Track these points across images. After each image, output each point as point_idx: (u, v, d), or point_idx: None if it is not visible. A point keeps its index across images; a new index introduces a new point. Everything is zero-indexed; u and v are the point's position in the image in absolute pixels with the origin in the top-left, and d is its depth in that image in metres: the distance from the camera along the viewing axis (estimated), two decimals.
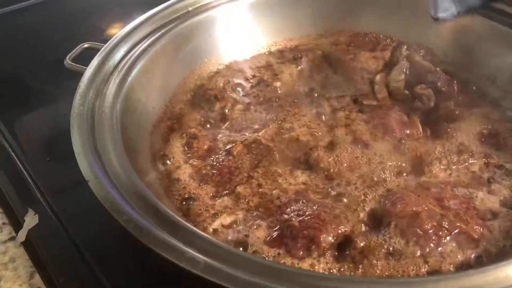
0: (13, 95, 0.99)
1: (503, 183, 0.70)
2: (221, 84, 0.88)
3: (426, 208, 0.64)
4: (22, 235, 0.70)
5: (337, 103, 0.86)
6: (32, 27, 1.14)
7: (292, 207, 0.66)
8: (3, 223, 0.73)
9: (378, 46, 0.97)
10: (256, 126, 0.81)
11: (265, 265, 0.50)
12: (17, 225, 0.72)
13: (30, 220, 0.71)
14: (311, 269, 0.58)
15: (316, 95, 0.88)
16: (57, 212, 0.73)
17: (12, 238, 0.71)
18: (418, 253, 0.61)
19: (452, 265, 0.60)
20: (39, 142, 0.89)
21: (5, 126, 0.89)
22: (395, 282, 0.50)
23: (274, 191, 0.69)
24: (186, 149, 0.77)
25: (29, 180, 0.79)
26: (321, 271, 0.59)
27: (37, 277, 0.66)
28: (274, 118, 0.82)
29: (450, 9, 0.81)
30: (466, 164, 0.73)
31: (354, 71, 0.91)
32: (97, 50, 0.82)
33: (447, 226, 0.63)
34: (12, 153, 0.84)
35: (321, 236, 0.62)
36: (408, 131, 0.79)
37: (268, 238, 0.63)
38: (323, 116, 0.83)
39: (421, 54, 0.93)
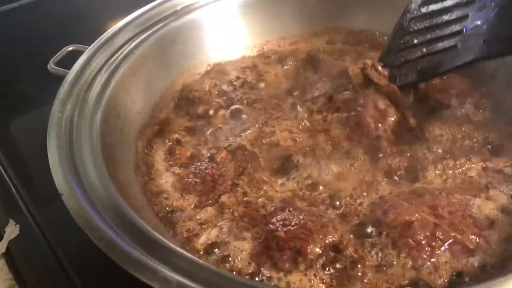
0: None
1: (502, 188, 0.66)
2: (207, 87, 0.85)
3: (419, 217, 0.61)
4: (2, 247, 0.68)
5: (313, 104, 0.82)
6: (19, 29, 1.12)
7: (278, 216, 0.63)
8: None
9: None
10: (240, 131, 0.78)
11: (243, 284, 0.47)
12: None
13: (11, 231, 0.69)
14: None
15: (296, 96, 0.85)
16: (40, 222, 0.71)
17: None
18: (410, 264, 0.58)
19: (445, 277, 0.57)
20: (24, 148, 0.87)
21: None
22: None
23: (259, 200, 0.66)
24: (169, 156, 0.75)
25: (12, 188, 0.77)
26: (307, 285, 0.57)
27: None
28: (257, 122, 0.79)
29: (410, 77, 0.79)
30: (463, 169, 0.70)
31: (337, 69, 0.87)
32: (82, 52, 0.79)
33: (441, 237, 0.60)
34: None
35: (308, 247, 0.59)
36: (381, 125, 0.75)
37: (253, 251, 0.61)
38: (304, 121, 0.79)
39: None
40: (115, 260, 0.49)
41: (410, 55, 0.78)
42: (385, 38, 0.92)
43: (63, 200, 0.55)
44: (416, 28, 0.77)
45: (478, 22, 0.74)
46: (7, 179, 0.79)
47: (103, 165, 0.62)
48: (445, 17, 0.76)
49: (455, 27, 0.76)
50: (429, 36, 0.77)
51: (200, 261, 0.50)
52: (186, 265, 0.49)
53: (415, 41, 0.77)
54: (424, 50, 0.77)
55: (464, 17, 0.75)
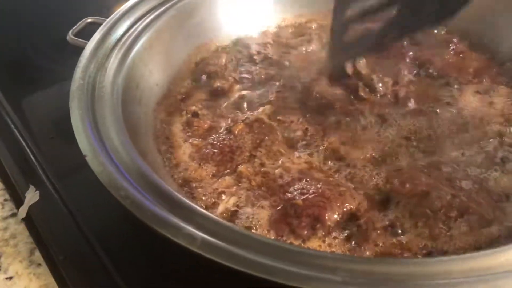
0: (17, 73, 0.98)
1: None
2: (223, 61, 0.85)
3: (436, 188, 0.62)
4: (22, 212, 0.69)
5: None
6: (35, 4, 1.12)
7: (295, 186, 0.64)
8: (5, 200, 0.73)
9: None
10: (257, 106, 0.78)
11: (267, 243, 0.48)
12: (18, 201, 0.71)
13: (31, 196, 0.70)
14: (316, 249, 0.56)
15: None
16: (59, 189, 0.72)
17: (13, 215, 0.71)
18: (426, 233, 0.59)
19: (462, 247, 0.58)
20: (43, 119, 0.88)
21: (9, 103, 0.88)
22: (400, 262, 0.48)
23: (276, 170, 0.67)
24: (187, 127, 0.75)
25: (31, 157, 0.78)
26: (327, 250, 0.57)
27: (37, 253, 0.66)
28: (275, 98, 0.79)
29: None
30: (480, 143, 0.70)
31: None
32: (101, 24, 0.80)
33: (458, 207, 0.60)
34: (15, 130, 0.83)
35: (326, 215, 0.60)
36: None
37: (271, 218, 0.61)
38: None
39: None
40: (140, 217, 0.49)
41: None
42: None
43: (88, 161, 0.56)
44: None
45: None
46: (26, 148, 0.79)
47: (125, 131, 0.62)
48: None
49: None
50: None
51: (224, 221, 0.51)
52: (209, 225, 0.49)
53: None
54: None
55: None
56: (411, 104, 0.76)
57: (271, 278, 0.43)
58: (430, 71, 0.82)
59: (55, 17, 1.05)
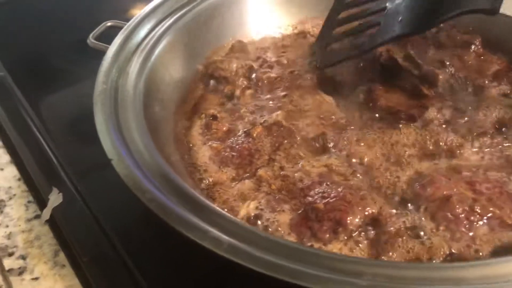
0: (38, 75, 0.99)
1: None
2: (234, 66, 0.85)
3: (457, 191, 0.62)
4: (46, 214, 0.70)
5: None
6: (55, 7, 1.14)
7: (316, 190, 0.64)
8: (28, 202, 0.74)
9: None
10: (274, 109, 0.78)
11: (291, 247, 0.49)
12: (42, 203, 0.73)
13: (55, 198, 0.71)
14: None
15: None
16: (81, 191, 0.73)
17: (37, 217, 0.72)
18: (448, 237, 0.59)
19: (483, 251, 0.58)
20: (63, 121, 0.90)
21: (30, 105, 0.89)
22: (425, 267, 0.48)
23: (296, 174, 0.67)
24: (205, 130, 0.76)
25: (53, 159, 0.79)
26: (349, 254, 0.58)
27: (61, 255, 0.67)
28: (290, 101, 0.80)
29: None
30: (500, 147, 0.70)
31: None
32: (120, 28, 0.81)
33: (479, 211, 0.61)
34: (37, 133, 0.84)
35: (348, 218, 0.60)
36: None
37: (292, 222, 0.62)
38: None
39: None
40: (166, 220, 0.50)
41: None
42: None
43: (113, 165, 0.57)
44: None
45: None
46: (48, 150, 0.81)
47: (148, 134, 0.63)
48: None
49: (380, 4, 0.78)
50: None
51: (248, 225, 0.52)
52: (235, 228, 0.50)
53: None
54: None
55: None
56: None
57: (296, 281, 0.44)
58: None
59: (74, 20, 1.06)
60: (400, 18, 0.75)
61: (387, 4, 0.77)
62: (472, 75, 0.82)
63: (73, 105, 0.92)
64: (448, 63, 0.84)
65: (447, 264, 0.55)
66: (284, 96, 0.81)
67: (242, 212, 0.64)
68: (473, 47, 0.86)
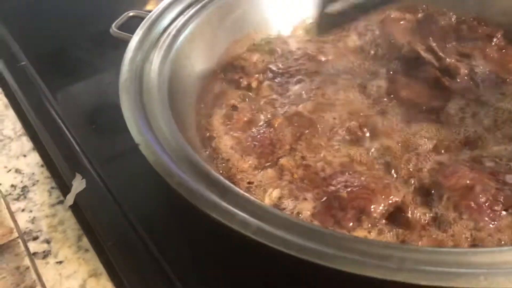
0: (59, 66, 1.00)
1: None
2: (255, 58, 0.86)
3: (480, 181, 0.62)
4: (70, 199, 0.71)
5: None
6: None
7: (338, 179, 0.64)
8: (52, 187, 0.75)
9: None
10: (295, 101, 0.79)
11: (319, 231, 0.49)
12: (65, 189, 0.73)
13: (78, 184, 0.72)
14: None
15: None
16: (103, 177, 0.74)
17: (61, 202, 0.72)
18: (472, 226, 0.59)
19: (506, 241, 0.58)
20: (84, 110, 0.90)
21: (52, 95, 0.90)
22: (451, 252, 0.48)
23: (318, 163, 0.68)
24: (227, 120, 0.76)
25: (75, 146, 0.80)
26: None
27: (85, 239, 0.67)
28: (312, 94, 0.80)
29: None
30: None
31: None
32: (142, 18, 0.81)
33: (502, 200, 0.61)
34: (59, 121, 0.85)
35: (372, 206, 0.60)
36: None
37: (315, 211, 0.62)
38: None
39: None
40: (195, 203, 0.51)
41: None
42: None
43: (141, 150, 0.57)
44: None
45: None
46: (70, 137, 0.81)
47: (173, 121, 0.64)
48: None
49: None
50: None
51: (276, 210, 0.52)
52: (262, 212, 0.50)
53: None
54: None
55: None
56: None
57: (325, 263, 0.44)
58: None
59: (95, 10, 1.07)
60: None
61: None
62: (494, 68, 0.82)
63: (95, 94, 0.93)
64: (469, 55, 0.84)
65: (476, 248, 0.55)
66: (303, 90, 0.81)
67: (266, 201, 0.64)
68: (495, 40, 0.86)
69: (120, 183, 0.73)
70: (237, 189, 0.54)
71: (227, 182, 0.55)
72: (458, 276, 0.43)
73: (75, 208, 0.71)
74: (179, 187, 0.52)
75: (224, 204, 0.51)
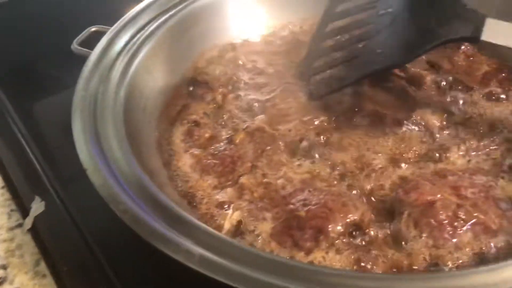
0: (23, 81, 0.99)
1: None
2: (218, 71, 0.84)
3: (441, 197, 0.61)
4: (28, 222, 0.70)
5: None
6: (40, 12, 1.13)
7: (298, 197, 0.63)
8: (11, 210, 0.74)
9: None
10: (256, 114, 0.77)
11: (267, 258, 0.48)
12: (24, 212, 0.72)
13: (37, 207, 0.71)
14: (316, 263, 0.56)
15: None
16: (64, 200, 0.73)
17: (20, 225, 0.71)
18: (431, 244, 0.58)
19: (466, 258, 0.57)
20: (49, 128, 0.89)
21: (16, 112, 0.89)
22: (403, 278, 0.47)
23: (279, 181, 0.66)
24: (187, 137, 0.74)
25: (37, 167, 0.79)
26: (331, 262, 0.57)
27: (42, 264, 0.66)
28: (271, 106, 0.78)
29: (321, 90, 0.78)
30: (487, 150, 0.69)
31: None
32: (105, 33, 0.80)
33: (463, 217, 0.59)
34: (22, 140, 0.84)
35: (329, 226, 0.59)
36: None
37: (274, 231, 0.61)
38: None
39: None
40: (139, 233, 0.49)
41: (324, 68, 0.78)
42: None
43: (88, 174, 0.56)
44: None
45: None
46: (33, 158, 0.80)
47: (126, 141, 0.62)
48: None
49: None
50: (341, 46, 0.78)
51: (222, 235, 0.51)
52: (208, 239, 0.49)
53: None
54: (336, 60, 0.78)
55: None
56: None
57: None
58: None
59: (60, 25, 1.05)
60: (379, 51, 0.74)
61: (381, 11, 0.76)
62: (461, 77, 0.81)
63: (60, 112, 0.89)
64: (437, 64, 0.83)
65: (429, 274, 0.54)
66: (267, 100, 0.79)
67: (226, 225, 0.63)
68: (462, 47, 0.85)
69: (81, 205, 0.72)
70: (186, 215, 0.53)
71: (176, 208, 0.54)
72: None
73: (34, 232, 0.70)
74: (124, 215, 0.51)
75: (170, 233, 0.49)
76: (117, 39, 0.78)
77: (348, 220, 0.60)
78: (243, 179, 0.67)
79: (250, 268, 0.46)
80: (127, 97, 0.71)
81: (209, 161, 0.70)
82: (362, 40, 0.76)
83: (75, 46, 0.82)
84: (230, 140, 0.73)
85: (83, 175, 0.74)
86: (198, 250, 0.47)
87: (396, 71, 0.79)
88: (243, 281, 0.45)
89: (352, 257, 0.58)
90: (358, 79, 0.77)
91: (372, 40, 0.75)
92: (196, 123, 0.77)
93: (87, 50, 0.79)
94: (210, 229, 0.52)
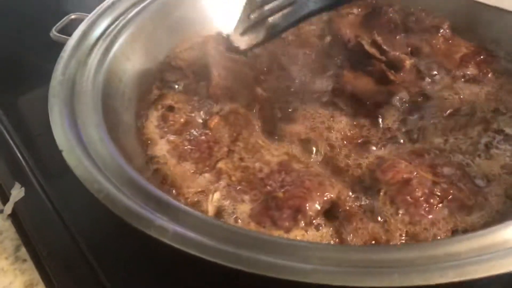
0: (4, 72, 0.98)
1: (502, 148, 0.66)
2: (193, 56, 0.84)
3: (417, 175, 0.61)
4: (8, 208, 0.70)
5: None
6: (20, 1, 1.13)
7: (275, 178, 0.63)
8: None
9: None
10: (232, 96, 0.77)
11: (237, 232, 0.48)
12: (4, 198, 0.72)
13: (17, 193, 0.71)
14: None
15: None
16: (44, 186, 0.73)
17: (0, 211, 0.71)
18: (407, 220, 0.58)
19: (442, 233, 0.57)
20: (29, 116, 0.89)
21: None
22: (373, 249, 0.48)
23: (256, 164, 0.66)
24: (162, 123, 0.73)
25: (18, 154, 0.78)
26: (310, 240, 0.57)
27: (23, 249, 0.66)
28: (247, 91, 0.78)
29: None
30: (464, 130, 0.69)
31: None
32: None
33: (439, 194, 0.60)
34: (1, 126, 0.83)
35: (307, 205, 0.59)
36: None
37: (252, 212, 0.61)
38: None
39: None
40: (113, 210, 0.49)
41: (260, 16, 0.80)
42: None
43: (63, 155, 0.56)
44: None
45: None
46: (13, 145, 0.80)
47: (104, 125, 0.62)
48: None
49: None
50: None
51: (198, 213, 0.51)
52: (183, 216, 0.49)
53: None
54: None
55: None
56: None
57: (236, 266, 0.43)
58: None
59: (41, 14, 1.05)
60: None
61: None
62: (440, 59, 0.81)
63: (41, 101, 0.89)
64: (417, 47, 0.84)
65: (401, 245, 0.54)
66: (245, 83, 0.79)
67: (209, 207, 0.62)
68: (441, 31, 0.85)
69: (61, 192, 0.71)
70: (160, 193, 0.53)
71: (151, 186, 0.54)
72: (371, 275, 0.42)
73: (15, 218, 0.70)
74: (98, 194, 0.51)
75: (144, 210, 0.49)
76: (96, 25, 0.78)
77: (325, 198, 0.60)
78: (220, 164, 0.67)
79: (224, 243, 0.46)
80: (106, 83, 0.71)
81: (186, 147, 0.69)
82: None
83: (54, 33, 0.82)
84: (205, 125, 0.72)
85: (63, 162, 0.75)
86: (172, 225, 0.47)
87: (376, 54, 0.79)
88: (212, 253, 0.45)
89: (330, 234, 0.58)
90: (291, 25, 0.78)
91: None
92: (171, 108, 0.75)
93: (66, 37, 0.78)
94: (185, 206, 0.52)
